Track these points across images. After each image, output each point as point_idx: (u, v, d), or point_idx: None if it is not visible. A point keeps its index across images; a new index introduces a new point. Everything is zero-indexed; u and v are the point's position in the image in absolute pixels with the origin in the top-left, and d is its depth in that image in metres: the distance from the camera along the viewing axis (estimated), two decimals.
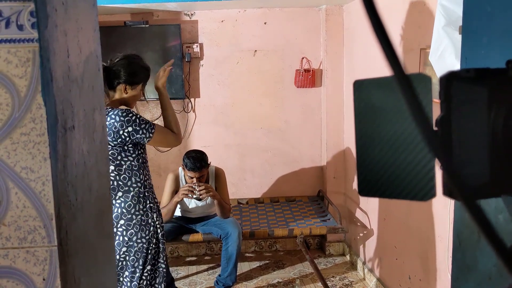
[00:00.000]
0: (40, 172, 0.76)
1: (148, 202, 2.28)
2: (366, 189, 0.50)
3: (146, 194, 2.27)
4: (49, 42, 0.76)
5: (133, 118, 2.16)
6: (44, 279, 0.79)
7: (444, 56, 1.55)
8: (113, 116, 2.14)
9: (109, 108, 2.19)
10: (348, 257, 4.01)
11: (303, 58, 3.99)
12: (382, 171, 0.48)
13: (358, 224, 3.76)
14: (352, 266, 3.85)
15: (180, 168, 3.30)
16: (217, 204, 3.19)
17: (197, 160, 3.08)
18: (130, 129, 2.14)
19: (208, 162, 3.18)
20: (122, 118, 2.14)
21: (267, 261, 3.98)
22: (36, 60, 0.74)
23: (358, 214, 3.77)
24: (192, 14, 3.95)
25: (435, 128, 0.44)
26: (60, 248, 0.79)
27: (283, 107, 4.11)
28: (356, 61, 3.66)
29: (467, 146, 0.43)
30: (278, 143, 4.17)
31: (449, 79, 0.43)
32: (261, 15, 3.99)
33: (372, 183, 0.49)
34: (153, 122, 2.27)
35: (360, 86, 0.49)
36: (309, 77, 3.94)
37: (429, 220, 2.57)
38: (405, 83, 0.31)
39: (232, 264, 3.18)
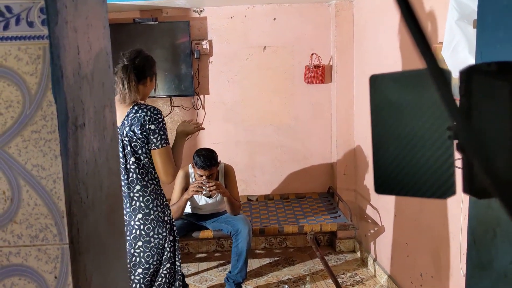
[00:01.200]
0: (51, 169, 0.76)
1: (165, 199, 2.33)
2: (382, 187, 0.49)
3: (163, 191, 2.33)
4: (59, 38, 0.76)
5: (160, 120, 2.24)
6: (56, 277, 0.78)
7: (457, 50, 1.52)
8: (145, 110, 2.22)
9: (142, 103, 2.29)
10: (358, 254, 4.00)
11: (312, 54, 3.97)
12: (399, 168, 0.47)
13: (369, 221, 3.74)
14: (363, 263, 3.84)
15: (190, 166, 3.30)
16: (226, 201, 3.18)
17: (207, 158, 3.07)
18: (152, 127, 2.20)
19: (218, 161, 3.18)
20: (153, 115, 2.21)
21: (277, 258, 3.98)
22: (47, 57, 0.74)
23: (369, 210, 3.75)
24: (201, 11, 3.95)
25: (454, 124, 0.42)
26: (71, 246, 0.79)
27: (293, 104, 4.10)
28: (366, 57, 3.63)
29: (489, 143, 0.41)
30: (288, 140, 4.15)
31: (469, 73, 0.41)
32: (270, 11, 3.97)
33: (389, 181, 0.48)
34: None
35: (376, 81, 0.48)
36: (319, 73, 3.92)
37: (442, 217, 2.55)
38: (439, 77, 0.30)
39: (242, 261, 3.18)
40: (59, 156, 0.76)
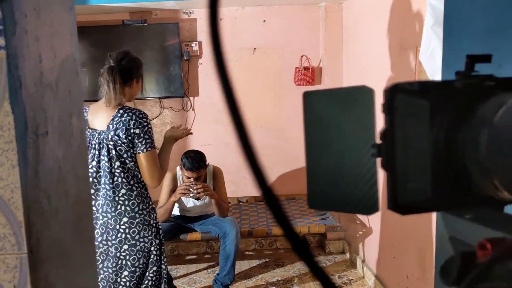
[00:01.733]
0: (8, 179, 0.76)
1: (151, 203, 2.33)
2: (315, 202, 0.50)
3: (149, 195, 2.34)
4: (17, 48, 0.76)
5: (145, 124, 2.22)
6: (14, 286, 0.79)
7: (434, 55, 1.53)
8: (130, 114, 2.21)
9: (127, 107, 2.26)
10: (348, 255, 4.00)
11: (302, 56, 3.98)
12: (330, 184, 0.47)
13: (358, 222, 3.75)
14: (352, 264, 3.85)
15: (178, 168, 3.30)
16: (214, 203, 3.19)
17: (195, 160, 3.08)
18: (137, 131, 2.20)
19: (207, 163, 3.18)
20: (138, 119, 2.20)
21: (267, 260, 3.98)
22: (3, 67, 0.74)
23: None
24: (190, 13, 3.95)
25: (378, 142, 0.43)
26: (30, 255, 0.79)
27: (283, 105, 4.10)
28: (355, 59, 3.64)
29: (410, 160, 0.42)
30: (278, 141, 4.16)
31: (392, 91, 0.42)
32: (260, 12, 3.97)
33: (321, 196, 0.49)
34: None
35: (309, 98, 0.48)
36: (308, 75, 3.92)
37: (427, 219, 2.55)
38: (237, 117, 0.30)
39: (230, 263, 3.18)
40: (17, 166, 0.76)
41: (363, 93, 0.43)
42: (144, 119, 2.23)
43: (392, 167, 0.42)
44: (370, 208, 0.43)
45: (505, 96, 0.39)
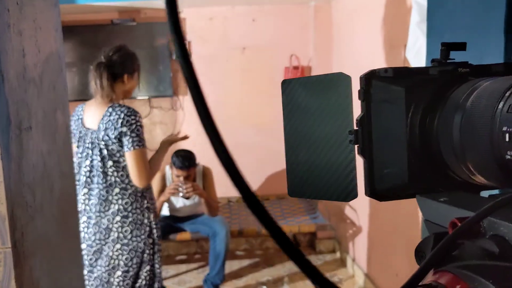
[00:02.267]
0: None
1: (145, 202, 2.28)
2: (295, 190, 0.50)
3: (144, 194, 2.29)
4: None
5: (134, 122, 2.16)
6: None
7: (421, 52, 1.54)
8: (119, 112, 2.16)
9: (116, 104, 2.21)
10: (338, 254, 4.01)
11: (292, 55, 3.98)
12: (309, 172, 0.47)
13: (348, 221, 3.76)
14: (342, 263, 3.86)
15: (167, 167, 3.29)
16: (204, 202, 3.18)
17: (185, 159, 3.07)
18: (124, 129, 2.15)
19: (197, 162, 3.18)
20: (126, 117, 2.15)
21: (257, 259, 3.98)
22: None
23: (348, 211, 3.77)
24: (180, 12, 3.93)
25: (355, 128, 0.43)
26: (14, 250, 0.78)
27: (273, 105, 4.10)
28: (344, 58, 3.65)
29: (386, 146, 0.42)
30: (268, 141, 4.16)
31: (368, 78, 0.42)
32: (250, 12, 3.98)
33: (301, 184, 0.49)
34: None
35: (287, 86, 0.48)
36: (298, 75, 3.93)
37: (416, 217, 2.57)
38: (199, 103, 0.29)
39: (220, 263, 3.18)
40: (0, 160, 0.76)
41: (340, 80, 0.44)
42: (133, 117, 2.17)
43: (368, 153, 0.42)
44: (348, 194, 0.43)
45: (477, 82, 0.40)
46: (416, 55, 1.57)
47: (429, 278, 0.33)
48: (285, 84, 0.49)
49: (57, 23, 1.01)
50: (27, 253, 0.82)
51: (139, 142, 2.18)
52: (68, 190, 1.02)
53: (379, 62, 2.93)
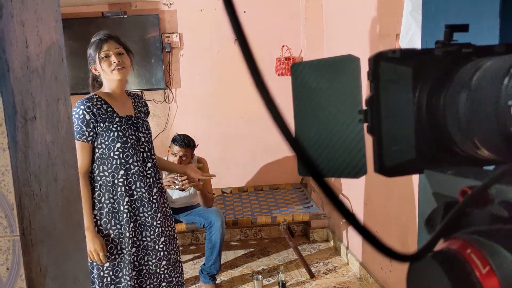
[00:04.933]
0: None
1: (118, 190, 2.17)
2: (305, 170, 0.52)
3: (166, 191, 2.41)
4: (4, 32, 0.76)
5: (74, 114, 2.05)
6: (7, 269, 0.79)
7: (414, 41, 1.57)
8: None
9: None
10: (332, 242, 4.06)
11: (283, 46, 4.00)
12: (319, 152, 0.49)
13: None
14: (336, 251, 3.90)
15: (164, 159, 3.30)
16: (199, 194, 3.20)
17: (186, 138, 3.19)
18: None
19: (196, 145, 3.24)
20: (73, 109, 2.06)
21: (252, 249, 4.01)
22: None
23: (341, 199, 3.80)
24: (170, 4, 3.93)
25: (364, 108, 0.45)
26: (23, 238, 0.80)
27: None
28: (336, 48, 3.67)
29: (394, 124, 0.44)
30: (260, 132, 4.18)
31: (376, 59, 0.44)
32: (241, 3, 3.96)
33: (310, 163, 0.51)
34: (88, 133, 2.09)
35: (297, 70, 0.50)
36: (290, 65, 3.94)
37: (409, 204, 2.61)
38: (264, 92, 0.32)
39: (216, 253, 3.20)
40: (7, 149, 0.77)
41: (349, 62, 0.45)
42: (74, 109, 2.06)
43: (377, 131, 0.44)
44: (358, 171, 0.45)
45: (480, 62, 0.42)
46: (409, 43, 1.59)
47: (440, 245, 0.35)
48: (294, 67, 0.50)
49: (57, 13, 1.02)
50: (34, 241, 0.83)
51: (77, 133, 2.08)
52: (71, 180, 1.03)
53: (370, 51, 2.95)
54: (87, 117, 2.06)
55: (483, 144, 0.40)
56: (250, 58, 0.31)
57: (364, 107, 0.45)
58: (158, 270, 2.30)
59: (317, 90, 0.49)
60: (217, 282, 3.37)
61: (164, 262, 2.30)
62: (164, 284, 2.30)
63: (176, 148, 3.17)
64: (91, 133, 2.08)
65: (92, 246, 2.09)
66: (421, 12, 1.54)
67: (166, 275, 2.32)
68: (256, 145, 4.19)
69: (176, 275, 2.37)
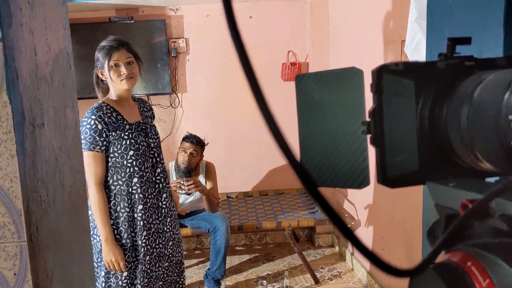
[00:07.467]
0: (7, 169, 0.77)
1: (133, 198, 2.15)
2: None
3: (173, 197, 2.38)
4: (13, 40, 0.78)
5: (85, 124, 2.04)
6: (15, 274, 0.80)
7: (419, 48, 1.57)
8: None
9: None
10: (337, 248, 4.05)
11: (289, 51, 4.01)
12: (323, 162, 0.50)
13: (346, 215, 3.80)
14: (341, 257, 3.89)
15: (170, 163, 3.32)
16: (205, 199, 3.21)
17: (197, 137, 3.24)
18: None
19: (206, 143, 3.30)
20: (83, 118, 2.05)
21: (257, 254, 4.01)
22: (0, 59, 0.75)
23: (346, 205, 3.80)
24: (177, 9, 3.95)
25: (368, 119, 0.46)
26: (30, 243, 0.81)
27: (270, 101, 4.00)
28: (341, 54, 3.68)
29: (397, 136, 0.45)
30: (266, 136, 4.15)
31: (379, 72, 0.45)
32: (247, 8, 3.99)
33: (315, 173, 0.51)
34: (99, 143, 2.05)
35: (301, 81, 0.51)
36: (295, 70, 3.96)
37: (414, 210, 2.60)
38: (260, 100, 0.32)
39: (220, 258, 3.21)
40: (16, 156, 0.78)
41: (352, 74, 0.46)
42: (83, 119, 2.05)
43: (380, 142, 0.45)
44: (361, 182, 0.46)
45: (483, 75, 0.42)
46: (415, 50, 1.60)
47: (441, 257, 0.36)
48: (298, 78, 0.51)
49: (65, 21, 1.03)
50: (41, 247, 0.84)
51: (85, 145, 2.05)
52: (77, 186, 1.04)
53: (376, 57, 2.95)
54: (99, 126, 2.03)
55: (484, 157, 0.40)
56: (245, 59, 0.32)
57: (368, 119, 0.46)
58: (168, 273, 2.33)
59: (321, 102, 0.49)
60: (221, 287, 3.37)
61: (166, 264, 2.30)
62: (160, 283, 2.29)
63: (186, 145, 3.21)
64: (104, 143, 2.04)
65: (113, 256, 2.05)
66: (426, 20, 1.54)
67: (164, 274, 2.32)
68: (261, 150, 4.20)
69: (173, 275, 2.35)
